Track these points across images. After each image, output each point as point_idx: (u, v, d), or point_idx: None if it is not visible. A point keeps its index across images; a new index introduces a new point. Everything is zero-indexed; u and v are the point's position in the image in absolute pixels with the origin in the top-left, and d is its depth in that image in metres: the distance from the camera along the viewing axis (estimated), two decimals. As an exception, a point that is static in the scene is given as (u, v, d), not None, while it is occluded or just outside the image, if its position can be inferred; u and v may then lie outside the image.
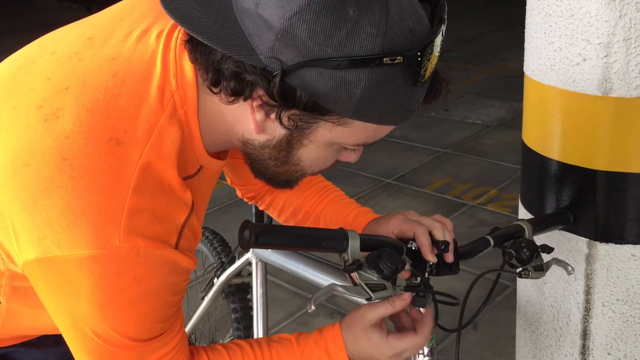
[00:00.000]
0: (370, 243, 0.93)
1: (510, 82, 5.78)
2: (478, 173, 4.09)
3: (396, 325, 1.02)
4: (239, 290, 1.75)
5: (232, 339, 1.90)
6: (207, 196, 0.97)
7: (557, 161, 1.25)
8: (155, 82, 0.80)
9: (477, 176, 4.04)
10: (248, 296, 1.68)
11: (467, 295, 1.04)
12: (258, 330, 1.54)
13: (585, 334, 1.31)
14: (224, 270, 1.67)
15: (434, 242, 0.99)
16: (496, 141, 4.58)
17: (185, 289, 0.86)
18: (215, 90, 0.78)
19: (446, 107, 5.32)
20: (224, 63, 0.76)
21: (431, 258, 0.98)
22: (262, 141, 0.83)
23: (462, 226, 3.41)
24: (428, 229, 1.01)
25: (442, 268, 1.00)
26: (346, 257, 0.90)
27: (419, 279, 0.99)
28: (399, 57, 0.74)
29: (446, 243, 0.98)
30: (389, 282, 0.91)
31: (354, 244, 0.90)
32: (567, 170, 1.24)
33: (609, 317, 1.27)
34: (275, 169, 0.87)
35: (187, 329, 1.88)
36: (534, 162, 1.32)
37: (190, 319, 1.84)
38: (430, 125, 4.99)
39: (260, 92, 0.76)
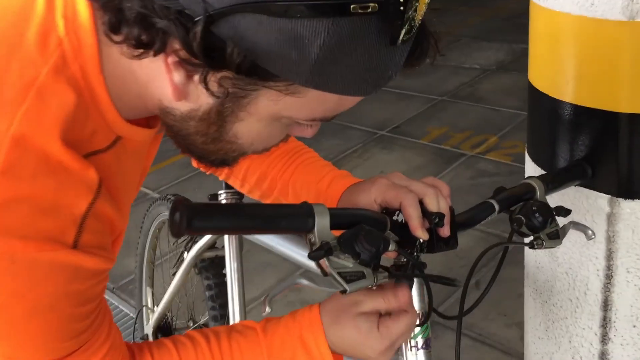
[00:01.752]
0: (343, 219, 0.74)
1: (509, 23, 5.49)
2: (476, 121, 3.87)
3: None
4: (212, 265, 1.56)
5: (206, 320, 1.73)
6: (136, 174, 0.77)
7: (571, 104, 1.05)
8: (34, 24, 0.59)
9: (476, 124, 3.82)
10: (223, 271, 1.49)
11: (468, 279, 0.85)
12: (234, 311, 1.36)
13: (606, 305, 1.12)
14: (195, 242, 1.48)
15: (426, 214, 0.79)
16: (495, 86, 4.35)
17: (100, 293, 0.67)
18: (117, 38, 0.58)
19: (442, 52, 5.06)
20: (126, 1, 0.55)
21: (421, 234, 0.78)
22: (185, 111, 0.63)
23: (461, 178, 3.22)
24: (418, 197, 0.81)
25: (436, 244, 0.81)
26: (313, 240, 0.70)
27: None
28: (372, 4, 0.54)
29: (440, 215, 0.78)
30: (368, 269, 0.72)
31: (321, 222, 0.70)
32: (583, 115, 1.04)
33: (635, 285, 1.08)
34: (205, 147, 0.67)
35: (159, 308, 1.71)
36: (542, 106, 1.12)
37: (163, 296, 1.66)
38: (425, 72, 4.73)
39: (176, 45, 0.56)
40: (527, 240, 0.91)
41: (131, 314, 2.48)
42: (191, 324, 1.82)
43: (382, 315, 0.78)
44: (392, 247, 0.74)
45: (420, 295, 0.88)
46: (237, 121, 0.62)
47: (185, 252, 1.54)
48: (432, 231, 0.80)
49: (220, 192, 1.46)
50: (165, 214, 1.79)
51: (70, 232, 0.59)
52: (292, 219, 0.69)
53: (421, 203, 0.80)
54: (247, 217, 0.67)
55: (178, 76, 0.58)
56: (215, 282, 1.55)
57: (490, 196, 0.91)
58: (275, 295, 0.67)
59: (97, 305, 0.66)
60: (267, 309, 0.67)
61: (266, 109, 0.61)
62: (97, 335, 0.67)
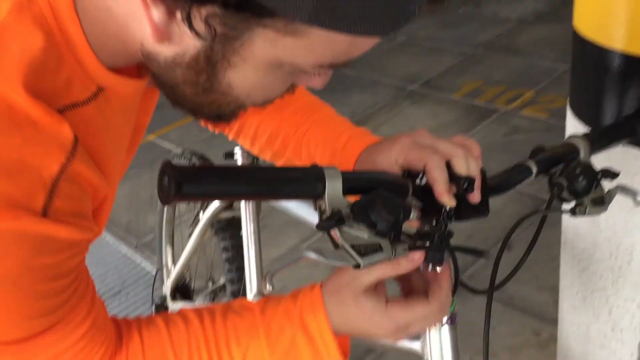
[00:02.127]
0: (357, 183, 0.65)
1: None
2: (512, 74, 3.70)
3: (403, 287, 0.75)
4: (229, 226, 1.49)
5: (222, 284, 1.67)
6: (126, 133, 0.68)
7: (621, 53, 0.93)
8: None
9: (511, 78, 3.65)
10: (241, 233, 1.42)
11: (500, 251, 0.75)
12: (250, 274, 1.29)
13: (652, 276, 1.03)
14: (210, 202, 1.41)
15: (453, 177, 0.69)
16: (532, 38, 4.14)
17: (77, 266, 0.59)
18: None
19: (476, 1, 4.85)
20: None
21: (447, 201, 0.68)
22: (169, 56, 0.53)
23: (495, 134, 3.08)
24: (445, 158, 0.71)
25: (464, 211, 0.71)
26: (323, 207, 0.62)
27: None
28: None
29: (470, 180, 0.68)
30: (385, 240, 0.63)
31: (333, 187, 0.62)
32: (635, 65, 0.92)
33: (686, 255, 0.98)
34: (196, 99, 0.58)
35: (176, 269, 1.66)
36: (589, 55, 1.00)
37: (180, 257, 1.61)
38: (459, 24, 4.54)
39: None
40: (568, 206, 0.81)
41: (153, 273, 2.46)
42: (210, 285, 1.78)
43: (391, 299, 0.69)
44: (413, 215, 0.65)
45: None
46: (230, 68, 0.53)
47: (201, 212, 1.47)
48: (461, 197, 0.71)
49: (236, 149, 1.38)
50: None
51: (39, 198, 0.51)
52: (299, 184, 0.61)
53: (448, 165, 0.70)
54: (246, 182, 0.58)
55: (157, 13, 0.49)
56: (232, 243, 1.48)
57: (527, 156, 0.81)
58: (278, 271, 0.59)
59: (73, 279, 0.59)
60: (268, 287, 0.59)
61: (263, 54, 0.51)
62: (75, 312, 0.60)
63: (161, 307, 1.72)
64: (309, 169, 0.62)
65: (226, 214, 1.45)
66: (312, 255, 0.60)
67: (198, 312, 0.72)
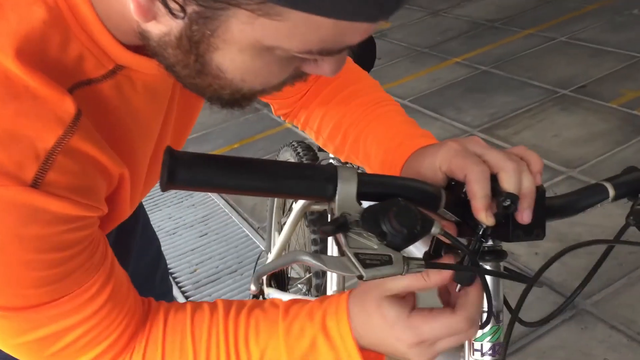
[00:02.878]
0: (374, 188, 0.59)
1: None
2: (685, 84, 3.29)
3: (442, 299, 0.68)
4: (320, 219, 1.47)
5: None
6: (154, 118, 0.67)
7: None
8: None
9: (683, 88, 3.25)
10: (331, 226, 1.40)
11: (539, 272, 0.64)
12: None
13: None
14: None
15: (497, 193, 0.62)
16: None
17: (81, 241, 0.59)
18: None
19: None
20: None
21: (484, 218, 0.60)
22: (157, 34, 0.53)
23: (652, 152, 2.76)
24: (492, 170, 0.63)
25: (512, 231, 0.63)
26: (334, 210, 0.58)
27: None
28: None
29: (513, 197, 0.60)
30: (398, 253, 0.57)
31: (345, 190, 0.57)
32: None
33: None
34: (193, 81, 0.56)
35: (272, 256, 1.68)
36: None
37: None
38: (629, 25, 4.13)
39: None
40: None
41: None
42: (307, 274, 1.78)
43: (416, 310, 0.64)
44: (436, 230, 0.58)
45: (495, 292, 0.70)
46: (214, 50, 0.51)
47: (294, 202, 1.47)
48: (508, 215, 0.62)
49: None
50: (291, 160, 1.74)
51: (30, 168, 0.52)
52: (308, 182, 0.57)
53: (496, 179, 0.62)
54: (248, 175, 0.56)
55: None
56: (321, 237, 1.47)
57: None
58: (267, 272, 0.56)
59: (76, 253, 0.59)
60: (253, 288, 0.56)
61: (243, 36, 0.49)
62: (84, 287, 0.61)
63: (257, 290, 1.75)
64: (321, 167, 0.58)
65: (318, 206, 1.44)
66: (308, 259, 0.56)
67: (228, 303, 0.71)
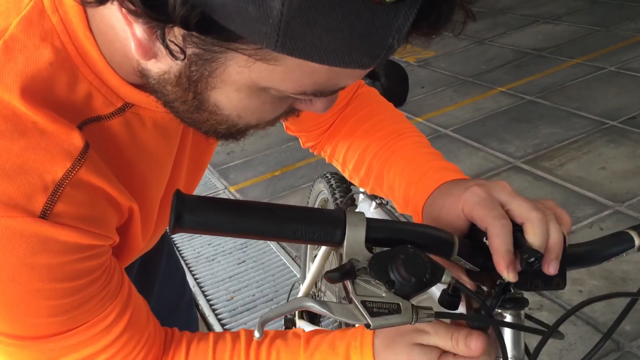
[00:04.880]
0: (384, 234, 0.58)
1: None
2: None
3: None
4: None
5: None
6: (165, 154, 0.69)
7: None
8: None
9: None
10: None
11: (556, 323, 0.62)
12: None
13: None
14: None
15: (520, 246, 0.60)
16: None
17: (93, 270, 0.60)
18: None
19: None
20: None
21: (505, 275, 0.59)
22: (157, 73, 0.54)
23: None
24: (517, 220, 0.61)
25: (532, 280, 0.61)
26: (342, 256, 0.57)
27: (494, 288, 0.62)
28: None
29: (537, 255, 0.58)
30: (406, 301, 0.56)
31: (354, 236, 0.57)
32: None
33: None
34: (191, 116, 0.58)
35: (304, 287, 1.67)
36: None
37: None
38: (683, 55, 4.00)
39: None
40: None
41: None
42: (344, 302, 1.76)
43: (444, 354, 0.63)
44: (447, 279, 0.57)
45: (515, 341, 0.68)
46: (212, 89, 0.53)
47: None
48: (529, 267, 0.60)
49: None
50: (324, 192, 1.74)
51: (38, 200, 0.54)
52: (315, 227, 0.57)
53: (520, 233, 0.60)
54: (255, 219, 0.56)
55: (140, 30, 0.50)
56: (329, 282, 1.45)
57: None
58: (272, 318, 0.56)
59: (90, 282, 0.60)
60: (257, 335, 0.55)
61: (240, 77, 0.51)
62: (101, 316, 0.62)
63: (289, 322, 1.74)
64: (330, 212, 0.58)
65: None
66: (313, 305, 0.56)
67: (251, 333, 0.72)
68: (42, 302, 0.58)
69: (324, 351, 0.68)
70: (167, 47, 0.48)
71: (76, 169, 0.56)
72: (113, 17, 0.54)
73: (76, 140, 0.56)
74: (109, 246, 0.62)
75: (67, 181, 0.55)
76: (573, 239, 0.64)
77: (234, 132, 0.60)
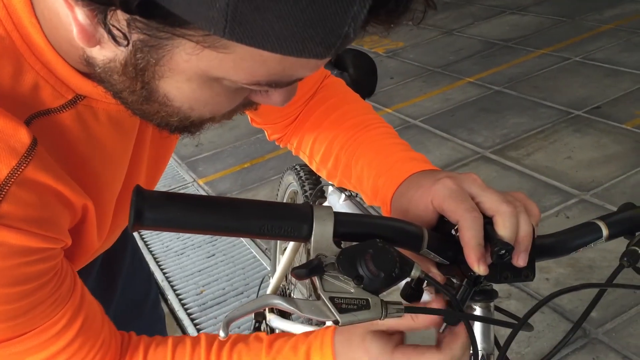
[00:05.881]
0: (354, 229, 0.57)
1: None
2: (702, 106, 3.24)
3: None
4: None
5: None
6: (122, 149, 0.66)
7: None
8: None
9: (700, 110, 3.19)
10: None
11: (526, 316, 0.61)
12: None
13: None
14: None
15: (491, 238, 0.59)
16: None
17: (42, 274, 0.57)
18: None
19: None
20: None
21: (476, 268, 0.58)
22: (103, 60, 0.51)
23: (667, 175, 2.71)
24: (487, 213, 0.61)
25: (501, 272, 0.61)
26: (310, 252, 0.56)
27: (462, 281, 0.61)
28: None
29: (508, 248, 0.58)
30: (375, 297, 0.55)
31: (321, 231, 0.55)
32: None
33: None
34: (141, 107, 0.55)
35: (273, 280, 1.66)
36: None
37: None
38: (645, 45, 4.08)
39: None
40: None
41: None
42: (311, 298, 1.75)
43: (400, 345, 0.63)
44: (416, 273, 0.56)
45: (484, 334, 0.68)
46: (160, 78, 0.50)
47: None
48: (500, 258, 0.60)
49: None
50: (294, 184, 1.72)
51: None
52: (281, 222, 0.55)
53: (491, 225, 0.60)
54: (219, 216, 0.54)
55: (82, 14, 0.47)
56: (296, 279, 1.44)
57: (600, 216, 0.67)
58: (237, 317, 0.54)
59: (40, 286, 0.57)
60: (222, 334, 0.54)
61: (188, 66, 0.48)
62: (51, 320, 0.59)
63: (259, 316, 1.73)
64: (296, 206, 0.56)
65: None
66: (280, 303, 0.54)
67: (211, 337, 0.70)
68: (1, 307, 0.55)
69: (285, 354, 0.67)
70: (109, 32, 0.46)
71: (22, 167, 0.52)
72: (56, 1, 0.50)
73: (22, 136, 0.52)
74: (60, 249, 0.59)
75: (12, 180, 0.51)
76: (540, 227, 0.64)
77: (187, 124, 0.57)
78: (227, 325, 0.54)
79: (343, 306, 0.54)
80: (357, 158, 0.81)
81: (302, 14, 0.41)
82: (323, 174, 0.90)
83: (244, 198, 0.56)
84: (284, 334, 0.70)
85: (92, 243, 0.66)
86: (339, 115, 0.86)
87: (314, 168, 0.91)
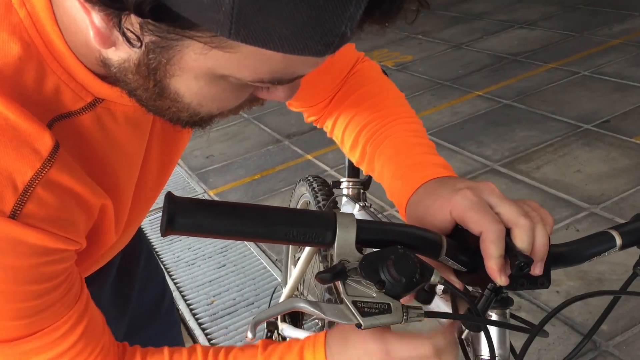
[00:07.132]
0: (375, 235, 0.59)
1: None
2: None
3: None
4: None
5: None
6: (137, 149, 0.70)
7: None
8: None
9: None
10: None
11: (543, 321, 0.63)
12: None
13: None
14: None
15: (511, 253, 0.61)
16: None
17: (59, 274, 0.60)
18: None
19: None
20: None
21: (498, 279, 0.61)
22: (118, 61, 0.55)
23: (676, 189, 2.71)
24: (505, 225, 0.63)
25: (517, 282, 0.63)
26: (333, 257, 0.58)
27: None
28: None
29: (528, 260, 0.60)
30: (397, 301, 0.57)
31: (344, 237, 0.57)
32: None
33: None
34: (154, 104, 0.58)
35: (286, 290, 1.67)
36: None
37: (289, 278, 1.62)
38: (654, 60, 4.09)
39: None
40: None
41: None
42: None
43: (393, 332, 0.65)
44: (436, 279, 0.58)
45: (500, 340, 0.69)
46: (171, 77, 0.53)
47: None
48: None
49: (342, 179, 1.37)
50: (306, 195, 1.74)
51: (8, 200, 0.53)
52: (306, 229, 0.57)
53: (508, 233, 0.62)
54: (246, 221, 0.56)
55: (98, 18, 0.50)
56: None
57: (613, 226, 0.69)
58: (264, 319, 0.56)
59: (54, 286, 0.60)
60: (249, 335, 0.56)
61: (197, 65, 0.51)
62: (61, 321, 0.62)
63: (271, 325, 1.74)
64: (320, 214, 0.59)
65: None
66: (305, 307, 0.56)
67: (207, 347, 0.73)
68: (6, 305, 0.58)
69: (279, 352, 0.69)
70: (124, 34, 0.49)
71: (46, 170, 0.55)
72: (73, 8, 0.54)
73: (46, 139, 0.55)
74: (74, 252, 0.61)
75: (37, 182, 0.54)
76: (551, 239, 0.66)
77: (197, 120, 0.60)
78: (254, 326, 0.56)
79: (365, 310, 0.56)
80: (380, 154, 0.83)
81: (302, 16, 0.44)
82: (353, 160, 0.92)
83: (268, 205, 0.58)
84: (279, 343, 0.73)
85: (110, 238, 0.69)
86: (371, 104, 0.88)
87: (345, 152, 0.94)
